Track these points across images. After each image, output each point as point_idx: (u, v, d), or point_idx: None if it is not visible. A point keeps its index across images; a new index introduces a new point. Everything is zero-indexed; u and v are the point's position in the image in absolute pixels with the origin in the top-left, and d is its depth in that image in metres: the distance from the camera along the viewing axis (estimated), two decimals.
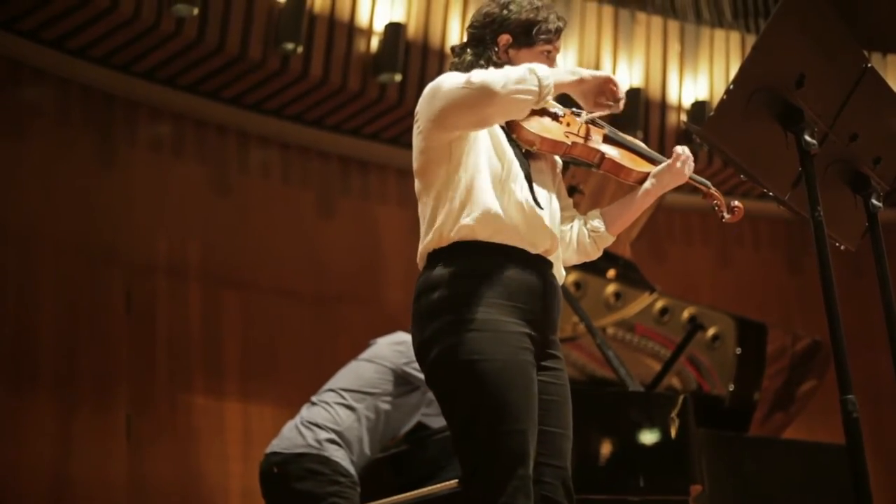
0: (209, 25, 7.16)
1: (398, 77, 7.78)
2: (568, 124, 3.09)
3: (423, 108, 3.01)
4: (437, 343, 2.89)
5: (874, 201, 2.96)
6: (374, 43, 7.80)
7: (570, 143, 3.05)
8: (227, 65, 7.45)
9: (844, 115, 2.83)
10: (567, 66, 3.12)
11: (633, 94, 8.70)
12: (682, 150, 3.14)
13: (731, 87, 2.63)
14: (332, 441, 4.78)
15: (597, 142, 3.09)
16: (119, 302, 7.24)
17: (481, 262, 2.92)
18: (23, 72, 7.15)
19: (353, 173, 8.54)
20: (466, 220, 2.93)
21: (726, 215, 3.16)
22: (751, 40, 9.06)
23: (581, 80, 3.01)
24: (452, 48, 3.23)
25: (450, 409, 2.93)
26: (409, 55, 7.89)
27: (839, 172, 2.92)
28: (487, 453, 2.82)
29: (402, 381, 4.89)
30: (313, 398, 4.97)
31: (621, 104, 3.03)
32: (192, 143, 7.87)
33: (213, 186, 7.87)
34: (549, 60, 3.12)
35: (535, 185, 3.08)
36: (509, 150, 3.04)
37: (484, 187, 2.95)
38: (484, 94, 2.86)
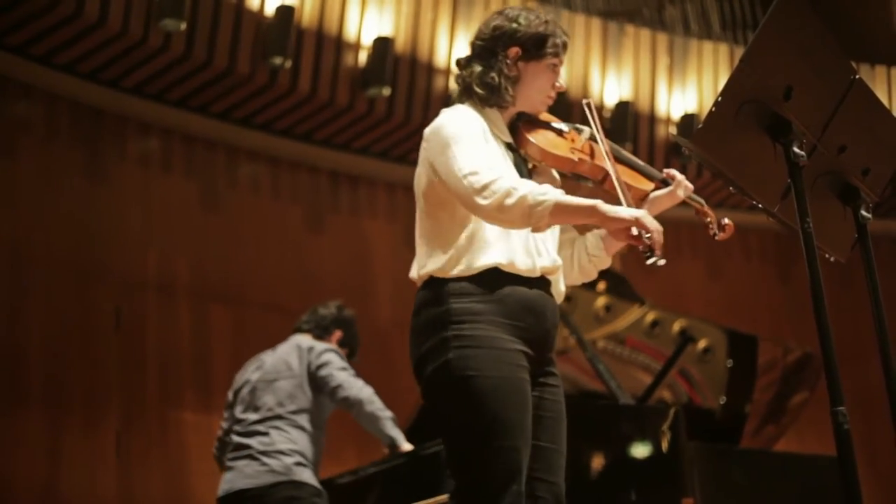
0: (197, 40, 7.15)
1: (387, 91, 7.78)
2: (572, 140, 3.09)
3: (434, 151, 2.96)
4: (434, 358, 2.89)
5: (863, 212, 2.95)
6: (363, 57, 7.80)
7: (576, 160, 3.04)
8: (216, 79, 7.45)
9: (833, 127, 2.83)
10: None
11: (622, 106, 8.73)
12: (677, 173, 3.15)
13: (720, 99, 2.63)
14: (298, 464, 4.85)
15: (600, 159, 3.07)
16: (108, 318, 7.21)
17: (482, 281, 2.92)
18: (11, 87, 7.13)
19: (342, 188, 8.53)
20: (475, 252, 2.93)
21: (718, 233, 3.16)
22: (739, 52, 9.07)
23: (595, 211, 2.84)
24: (457, 61, 3.20)
25: (445, 424, 2.93)
26: (398, 69, 7.89)
27: (828, 184, 2.91)
28: (481, 469, 2.83)
29: (315, 385, 4.98)
30: (260, 427, 4.98)
31: (653, 259, 2.90)
32: (181, 158, 7.86)
33: (202, 201, 7.86)
34: (555, 74, 3.12)
35: None
36: (514, 172, 3.02)
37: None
38: (471, 200, 2.84)
